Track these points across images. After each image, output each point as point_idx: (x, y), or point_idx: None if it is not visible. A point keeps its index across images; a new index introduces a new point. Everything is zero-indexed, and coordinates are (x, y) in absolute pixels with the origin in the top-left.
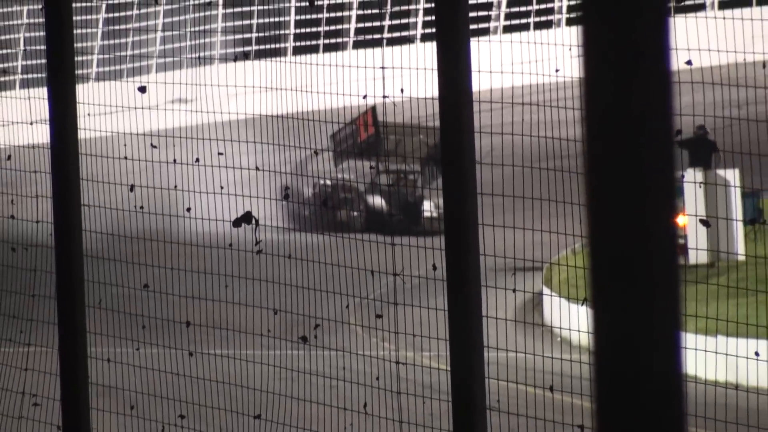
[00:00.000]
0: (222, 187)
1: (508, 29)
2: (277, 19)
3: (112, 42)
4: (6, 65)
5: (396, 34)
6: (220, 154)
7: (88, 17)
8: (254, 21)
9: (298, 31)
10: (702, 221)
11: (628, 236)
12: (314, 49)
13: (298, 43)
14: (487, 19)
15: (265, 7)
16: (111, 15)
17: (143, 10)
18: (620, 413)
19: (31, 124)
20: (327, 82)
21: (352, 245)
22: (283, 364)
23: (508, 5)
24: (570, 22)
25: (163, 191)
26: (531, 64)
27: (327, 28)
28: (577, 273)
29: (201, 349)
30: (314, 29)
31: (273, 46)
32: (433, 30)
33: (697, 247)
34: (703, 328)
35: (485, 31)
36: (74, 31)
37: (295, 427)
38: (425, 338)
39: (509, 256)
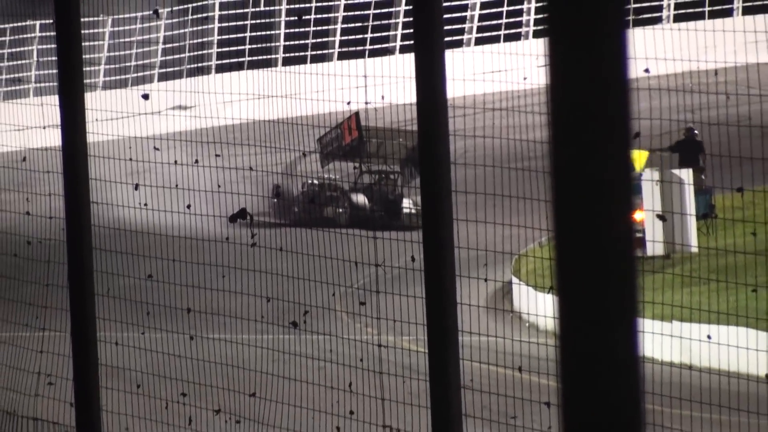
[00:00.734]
0: (219, 186)
1: (480, 41)
2: (268, 33)
3: (117, 53)
4: (20, 75)
5: (377, 46)
6: (216, 155)
7: (96, 31)
8: (247, 34)
9: (287, 43)
10: (658, 216)
11: (590, 230)
12: (302, 60)
13: (287, 54)
14: (461, 31)
15: (257, 21)
16: (116, 29)
17: (146, 24)
18: (583, 391)
19: (44, 128)
20: (314, 89)
21: (337, 239)
22: (276, 347)
23: (480, 19)
24: (537, 34)
25: (165, 189)
26: (501, 73)
27: (314, 41)
28: (543, 264)
29: (201, 334)
30: (302, 41)
31: (264, 57)
32: (411, 42)
33: (654, 240)
34: (659, 314)
35: (459, 43)
36: (83, 44)
37: (287, 404)
38: (405, 323)
39: (481, 249)
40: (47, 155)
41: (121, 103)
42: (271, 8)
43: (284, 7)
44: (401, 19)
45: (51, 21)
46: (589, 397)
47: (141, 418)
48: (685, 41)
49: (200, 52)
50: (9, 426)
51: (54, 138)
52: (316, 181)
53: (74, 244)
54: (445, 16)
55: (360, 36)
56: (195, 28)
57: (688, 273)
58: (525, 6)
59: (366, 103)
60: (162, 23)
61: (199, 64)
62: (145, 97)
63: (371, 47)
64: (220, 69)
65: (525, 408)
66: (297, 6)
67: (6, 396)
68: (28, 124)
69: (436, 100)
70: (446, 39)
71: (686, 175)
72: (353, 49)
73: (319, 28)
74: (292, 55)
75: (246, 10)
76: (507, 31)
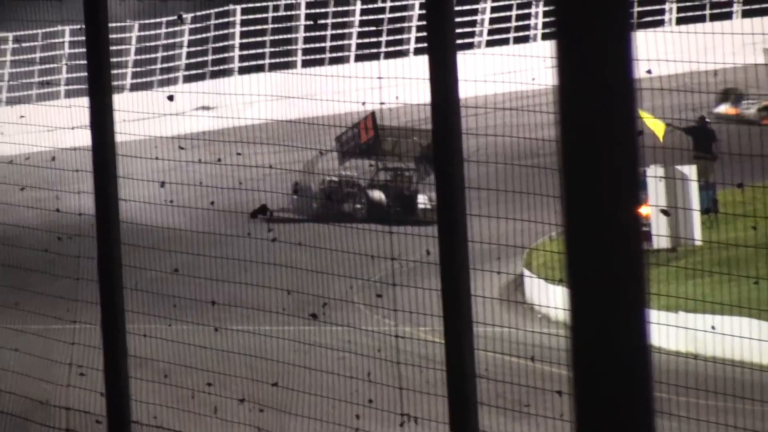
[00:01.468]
0: (240, 183)
1: (490, 43)
2: (287, 36)
3: (144, 57)
4: (51, 78)
5: (392, 49)
6: (238, 154)
7: (123, 35)
8: (268, 38)
9: (306, 46)
10: (663, 211)
11: (599, 224)
12: (320, 62)
13: (306, 57)
14: (472, 34)
15: (277, 26)
16: (143, 33)
17: (171, 29)
18: (594, 380)
19: (73, 129)
20: (332, 91)
21: (355, 234)
22: (297, 338)
23: (491, 22)
24: (545, 36)
25: (190, 187)
26: (511, 74)
27: (331, 44)
28: (554, 257)
29: (225, 325)
30: (320, 44)
31: (284, 59)
32: (425, 44)
33: (660, 234)
34: (666, 305)
35: (471, 45)
36: (110, 48)
37: (308, 393)
38: (421, 315)
39: (494, 242)
40: (77, 155)
41: (147, 104)
42: (290, 13)
43: (303, 11)
44: (414, 23)
45: (80, 27)
46: (600, 385)
47: (168, 407)
48: (686, 43)
49: (223, 55)
50: (43, 415)
51: (84, 138)
52: (334, 179)
53: (103, 239)
54: (457, 19)
55: (375, 39)
56: (217, 33)
57: (692, 266)
58: (533, 9)
59: (381, 103)
60: (186, 28)
61: (222, 67)
62: (171, 98)
63: (386, 49)
64: (242, 71)
65: (538, 396)
66: (315, 11)
67: (40, 386)
68: (59, 125)
69: (449, 99)
70: (458, 41)
71: (689, 171)
72: (369, 51)
73: (336, 31)
74: (310, 57)
75: (266, 15)
76: (516, 34)
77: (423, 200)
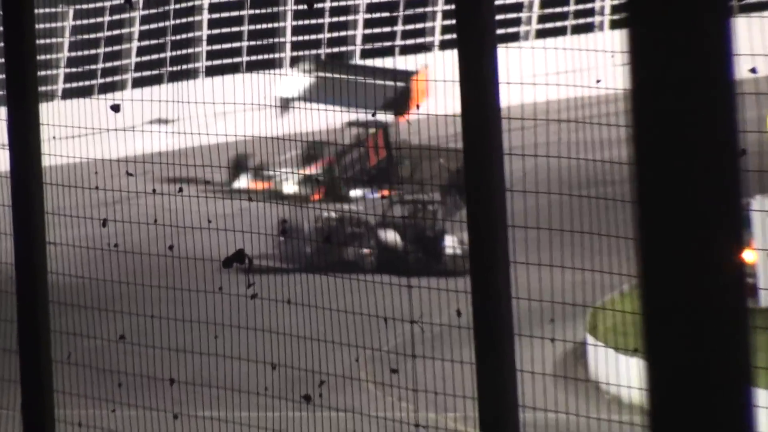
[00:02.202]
0: (210, 221)
1: (541, 34)
2: (271, 25)
3: (80, 53)
4: None
5: (410, 41)
6: (207, 182)
7: (53, 25)
8: (245, 27)
9: (295, 38)
10: None
11: (687, 275)
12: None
13: (295, 53)
14: (517, 22)
15: (258, 11)
16: (79, 22)
17: (116, 17)
18: None
19: None
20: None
21: (361, 288)
22: (283, 428)
23: (541, 6)
24: (614, 24)
25: (141, 226)
26: (568, 75)
27: (330, 35)
28: (626, 319)
29: (187, 411)
30: (314, 36)
31: (267, 56)
32: (454, 36)
33: None
34: None
35: (514, 37)
36: (36, 41)
37: None
38: (449, 396)
39: (546, 300)
40: None
41: (85, 116)
42: None
43: None
44: (441, 7)
45: None
46: None
47: None
48: None
49: (185, 51)
50: None
51: None
52: (333, 214)
53: (26, 296)
54: (497, 2)
55: (388, 28)
56: (178, 21)
57: None
58: None
59: (397, 113)
60: (137, 15)
61: (184, 66)
62: (116, 108)
63: (402, 42)
64: (211, 72)
65: None
66: None
67: None
68: None
69: (485, 109)
70: (498, 32)
71: None
72: (379, 45)
73: (336, 19)
74: (301, 53)
75: None
76: (575, 21)
77: (452, 243)
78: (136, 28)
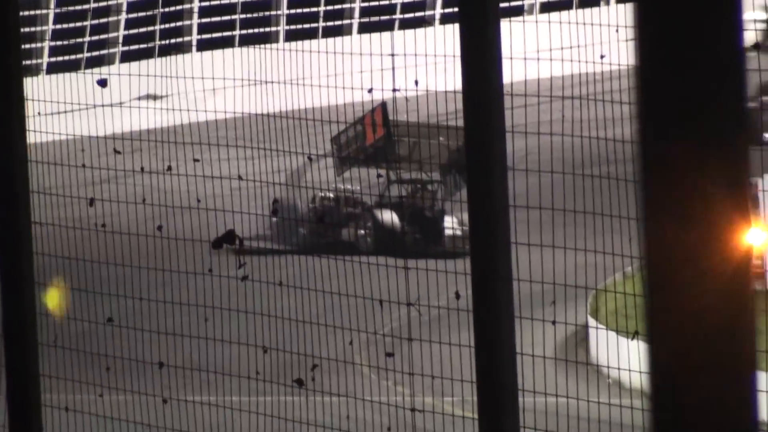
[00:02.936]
0: (199, 201)
1: (545, 7)
2: None
3: (66, 26)
4: None
5: (410, 15)
6: (196, 160)
7: None
8: None
9: (291, 11)
10: None
11: (692, 256)
12: (311, 34)
13: (291, 27)
14: None
15: None
16: None
17: None
18: None
19: None
20: (327, 73)
21: (357, 270)
22: (276, 412)
23: None
24: None
25: (129, 206)
26: (573, 50)
27: (327, 8)
28: (629, 301)
29: (177, 396)
30: (311, 9)
31: (261, 30)
32: (455, 9)
33: None
34: None
35: (518, 10)
36: (19, 13)
37: None
38: (447, 380)
39: (548, 282)
40: None
41: (71, 91)
42: None
43: None
44: None
45: None
46: None
47: None
48: None
49: (176, 24)
50: None
51: None
52: (329, 194)
53: (9, 278)
54: None
55: (386, 1)
56: None
57: None
58: None
59: (395, 90)
60: None
61: (175, 40)
62: (103, 83)
63: (402, 16)
64: (203, 46)
65: None
66: None
67: None
68: None
69: (487, 85)
70: (501, 5)
71: None
72: (378, 19)
73: None
74: (297, 27)
75: None
76: None
77: (451, 224)
78: (124, 0)
